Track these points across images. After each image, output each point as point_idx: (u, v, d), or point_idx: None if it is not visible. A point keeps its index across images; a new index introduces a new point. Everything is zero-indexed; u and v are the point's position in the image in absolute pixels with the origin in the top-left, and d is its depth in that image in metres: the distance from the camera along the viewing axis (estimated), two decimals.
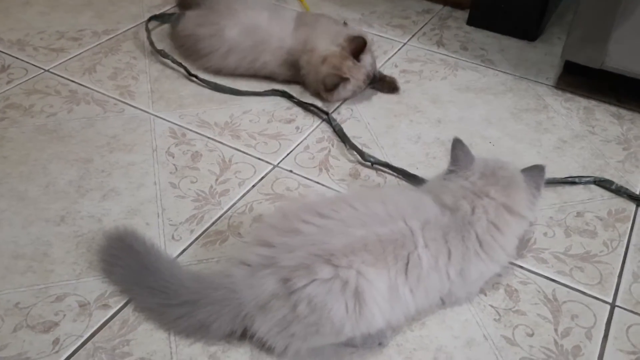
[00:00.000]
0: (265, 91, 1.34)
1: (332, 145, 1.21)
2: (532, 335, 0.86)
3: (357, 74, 1.29)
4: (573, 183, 1.12)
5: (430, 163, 1.18)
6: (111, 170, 1.10)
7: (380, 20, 1.68)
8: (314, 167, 1.15)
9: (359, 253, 0.77)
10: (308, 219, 0.81)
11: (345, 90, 1.29)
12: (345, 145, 1.19)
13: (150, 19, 1.53)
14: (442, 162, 1.18)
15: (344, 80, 1.28)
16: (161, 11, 1.59)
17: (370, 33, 1.60)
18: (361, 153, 1.16)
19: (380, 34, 1.61)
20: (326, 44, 1.30)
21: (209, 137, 1.20)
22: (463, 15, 1.72)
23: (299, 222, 0.80)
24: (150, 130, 1.21)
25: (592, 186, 1.13)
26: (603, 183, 1.12)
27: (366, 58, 1.29)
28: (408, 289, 0.79)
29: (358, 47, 1.27)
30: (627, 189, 1.11)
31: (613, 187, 1.11)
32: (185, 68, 1.36)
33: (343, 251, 0.76)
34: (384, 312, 0.77)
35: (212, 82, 1.34)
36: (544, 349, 0.85)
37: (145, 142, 1.18)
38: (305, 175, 1.13)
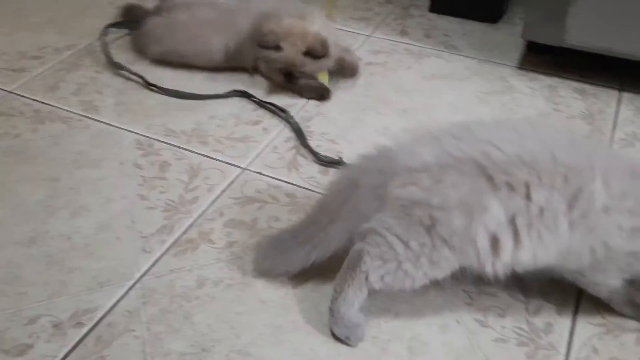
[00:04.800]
0: (227, 92, 1.34)
1: (299, 143, 1.21)
2: (504, 316, 0.87)
3: (291, 51, 1.26)
4: None
5: None
6: (79, 187, 1.10)
7: (343, 14, 1.68)
8: (283, 167, 1.15)
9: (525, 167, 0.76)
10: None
11: (267, 60, 1.28)
12: (302, 144, 1.19)
13: (108, 26, 1.52)
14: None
15: (277, 48, 1.26)
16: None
17: (334, 27, 1.60)
18: (315, 154, 1.16)
19: (344, 28, 1.61)
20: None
21: (176, 146, 1.20)
22: (425, 2, 1.72)
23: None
24: (117, 143, 1.21)
25: None
26: None
27: (312, 63, 1.28)
28: (567, 221, 0.76)
29: (314, 51, 1.26)
30: None
31: None
32: (142, 78, 1.36)
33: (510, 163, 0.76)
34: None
35: (172, 90, 1.34)
36: (516, 328, 0.86)
37: (112, 156, 1.17)
38: (275, 176, 1.13)
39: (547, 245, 0.77)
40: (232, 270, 0.94)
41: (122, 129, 1.25)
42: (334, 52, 1.31)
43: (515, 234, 0.77)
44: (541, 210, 0.76)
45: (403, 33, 1.59)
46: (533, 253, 0.77)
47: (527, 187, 0.76)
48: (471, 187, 0.77)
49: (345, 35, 1.58)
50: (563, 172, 0.76)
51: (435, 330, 0.85)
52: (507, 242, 0.77)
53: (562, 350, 0.83)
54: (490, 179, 0.76)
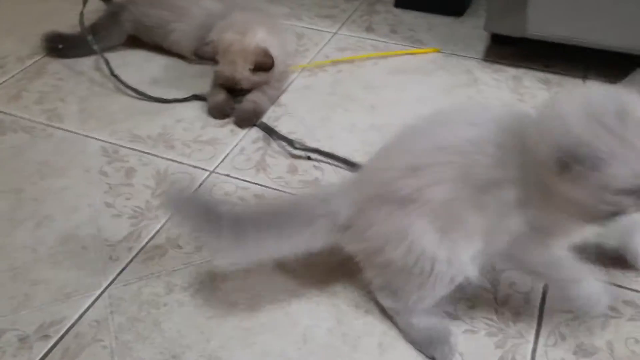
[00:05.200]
0: (186, 97, 1.32)
1: (268, 144, 1.20)
2: (473, 307, 0.88)
3: (228, 69, 1.25)
4: None
5: (366, 150, 1.18)
6: (44, 198, 1.08)
7: (309, 12, 1.68)
8: (251, 168, 1.15)
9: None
10: None
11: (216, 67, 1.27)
12: (273, 138, 1.19)
13: None
14: (378, 148, 1.18)
15: (214, 60, 1.25)
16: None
17: (300, 26, 1.60)
18: (290, 141, 1.17)
19: (310, 27, 1.61)
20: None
21: (142, 151, 1.19)
22: None
23: None
24: (82, 151, 1.19)
25: None
26: None
27: (258, 77, 1.26)
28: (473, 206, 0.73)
29: (263, 65, 1.25)
30: None
31: None
32: (108, 65, 1.36)
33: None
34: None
35: (132, 87, 1.33)
36: (485, 319, 0.86)
37: (77, 164, 1.16)
38: (243, 178, 1.12)
39: (472, 235, 0.75)
40: (201, 275, 0.93)
41: (86, 136, 1.23)
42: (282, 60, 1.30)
43: (444, 236, 0.75)
44: (447, 204, 0.73)
45: (369, 29, 1.59)
46: (469, 248, 0.76)
47: (421, 191, 0.74)
48: (385, 216, 0.77)
49: (312, 34, 1.58)
50: (454, 160, 0.73)
51: None
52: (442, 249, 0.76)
53: (531, 338, 0.84)
54: (392, 201, 0.76)
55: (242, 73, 1.25)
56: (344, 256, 0.95)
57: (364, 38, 1.55)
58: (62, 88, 1.37)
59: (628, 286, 0.90)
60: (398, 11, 1.68)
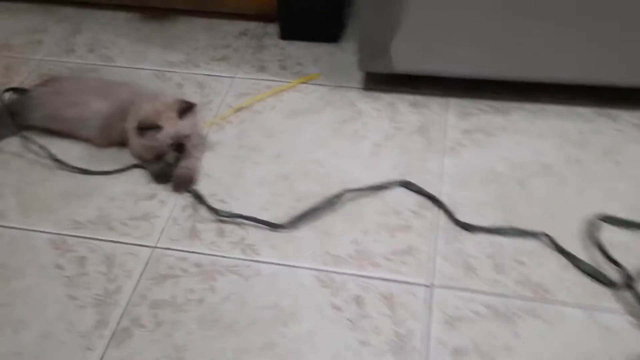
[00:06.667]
0: (127, 167, 1.48)
1: (196, 210, 1.40)
2: (379, 333, 1.16)
3: (172, 126, 1.38)
4: (384, 188, 1.39)
5: (277, 202, 1.40)
6: (12, 301, 1.23)
7: (205, 56, 1.82)
8: (185, 237, 1.34)
9: None
10: None
11: (152, 139, 1.39)
12: (203, 206, 1.38)
13: (6, 90, 1.62)
14: (287, 198, 1.41)
15: (157, 127, 1.37)
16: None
17: (199, 74, 1.75)
18: (216, 211, 1.37)
19: (209, 73, 1.76)
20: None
21: (87, 237, 1.35)
22: (276, 29, 1.88)
23: None
24: (32, 247, 1.33)
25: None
26: (405, 185, 1.39)
27: (187, 124, 1.41)
28: None
29: (185, 107, 1.40)
30: (421, 188, 1.39)
31: (413, 188, 1.40)
32: (49, 151, 1.49)
33: None
34: None
35: (76, 167, 1.47)
36: (385, 342, 1.15)
37: (31, 261, 1.30)
38: (181, 248, 1.32)
39: None
40: (164, 350, 1.15)
41: (32, 230, 1.37)
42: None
43: None
44: None
45: (261, 69, 1.77)
46: None
47: None
48: None
49: (211, 81, 1.73)
50: None
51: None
52: None
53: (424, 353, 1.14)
54: None
55: (181, 124, 1.40)
56: (280, 309, 1.19)
57: (259, 79, 1.73)
58: None
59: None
60: (284, 43, 1.85)
